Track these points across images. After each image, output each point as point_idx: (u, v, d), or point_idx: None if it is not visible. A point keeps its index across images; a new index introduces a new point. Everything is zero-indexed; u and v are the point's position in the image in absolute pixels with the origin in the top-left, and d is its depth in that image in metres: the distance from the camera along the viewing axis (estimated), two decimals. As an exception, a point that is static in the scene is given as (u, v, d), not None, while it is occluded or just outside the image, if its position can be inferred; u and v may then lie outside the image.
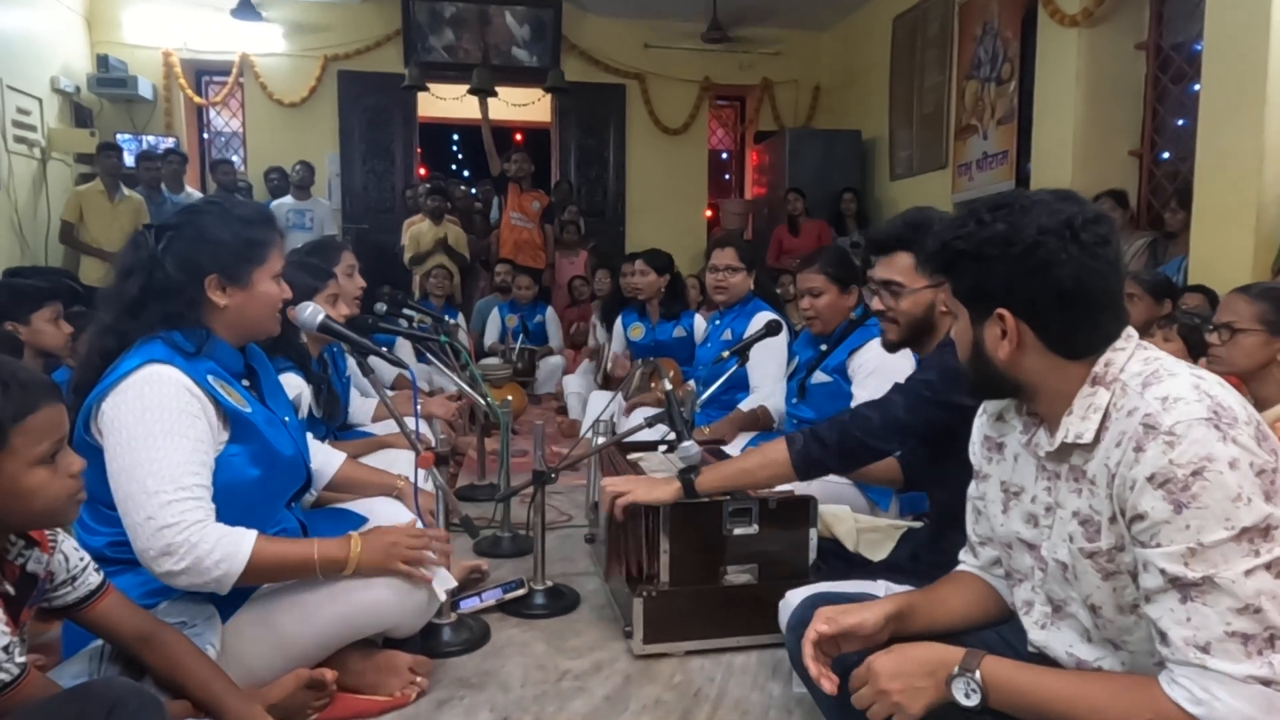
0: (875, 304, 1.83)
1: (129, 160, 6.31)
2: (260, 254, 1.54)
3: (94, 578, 1.27)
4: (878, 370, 2.30)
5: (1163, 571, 0.94)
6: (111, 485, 1.38)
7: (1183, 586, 0.93)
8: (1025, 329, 1.06)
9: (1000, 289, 1.06)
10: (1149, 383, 1.00)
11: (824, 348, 2.53)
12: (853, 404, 2.26)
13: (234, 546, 1.39)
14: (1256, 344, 1.91)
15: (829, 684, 1.14)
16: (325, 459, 1.99)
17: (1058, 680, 1.03)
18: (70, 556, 1.25)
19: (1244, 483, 0.91)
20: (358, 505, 1.90)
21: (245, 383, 1.61)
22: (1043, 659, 1.19)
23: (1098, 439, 1.02)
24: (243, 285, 1.52)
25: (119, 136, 6.66)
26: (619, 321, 4.29)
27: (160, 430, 1.37)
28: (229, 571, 1.38)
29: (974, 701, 1.02)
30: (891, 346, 1.85)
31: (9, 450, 1.08)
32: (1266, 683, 0.89)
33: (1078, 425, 1.05)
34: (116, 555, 1.43)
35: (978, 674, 1.02)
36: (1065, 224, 1.03)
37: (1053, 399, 1.09)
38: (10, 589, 1.15)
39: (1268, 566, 0.90)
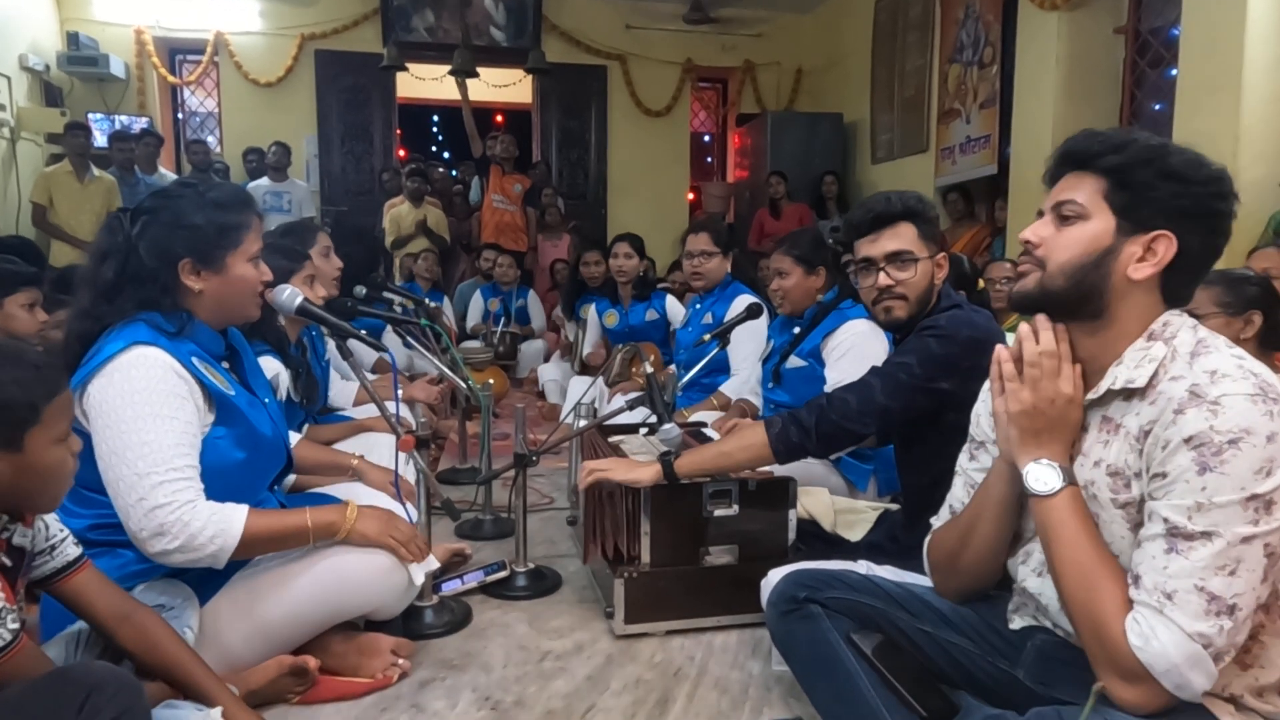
0: (881, 280, 1.74)
1: (100, 140, 6.18)
2: (234, 238, 1.53)
3: (72, 549, 1.27)
4: (850, 352, 2.31)
5: (1165, 520, 0.97)
6: (101, 468, 1.39)
7: (1174, 537, 0.96)
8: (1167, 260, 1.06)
9: (1177, 212, 1.05)
10: (1197, 353, 1.02)
11: (797, 331, 2.54)
12: (826, 386, 2.27)
13: (226, 522, 1.41)
14: (1218, 326, 1.97)
15: None
16: None
17: (1086, 538, 1.05)
18: (50, 525, 1.25)
19: (1275, 456, 0.94)
20: (339, 490, 1.90)
21: (225, 365, 1.61)
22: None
23: (1145, 391, 1.04)
24: (217, 269, 1.52)
25: (91, 116, 6.52)
26: (593, 310, 4.23)
27: (149, 412, 1.38)
28: (224, 547, 1.40)
29: (1046, 489, 1.07)
30: (898, 326, 1.78)
31: (41, 427, 1.12)
32: (1207, 645, 0.93)
33: (1129, 372, 1.06)
34: (98, 538, 1.43)
35: (1062, 473, 1.07)
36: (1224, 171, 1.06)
37: (1111, 341, 1.09)
38: (6, 560, 1.16)
39: (1264, 541, 0.94)
